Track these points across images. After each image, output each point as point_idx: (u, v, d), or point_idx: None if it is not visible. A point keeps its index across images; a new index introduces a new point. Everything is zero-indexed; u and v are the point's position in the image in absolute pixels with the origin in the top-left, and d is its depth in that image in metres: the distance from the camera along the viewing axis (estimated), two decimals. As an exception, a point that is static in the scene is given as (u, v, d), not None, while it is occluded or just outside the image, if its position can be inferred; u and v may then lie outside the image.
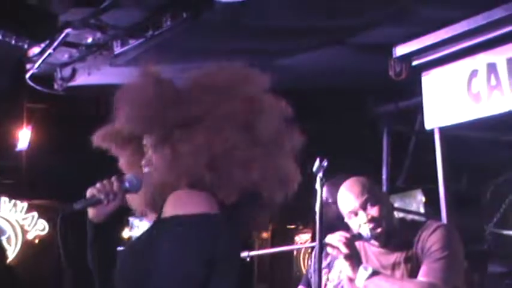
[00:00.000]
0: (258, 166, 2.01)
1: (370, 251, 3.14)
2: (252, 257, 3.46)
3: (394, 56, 4.45)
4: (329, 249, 3.05)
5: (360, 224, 3.07)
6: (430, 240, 3.04)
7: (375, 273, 3.05)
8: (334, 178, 3.22)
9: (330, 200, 3.39)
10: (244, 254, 3.39)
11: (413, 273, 3.04)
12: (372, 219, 3.05)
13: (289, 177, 2.09)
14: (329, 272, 3.41)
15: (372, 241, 3.09)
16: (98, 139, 2.20)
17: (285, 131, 2.09)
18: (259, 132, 2.03)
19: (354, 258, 3.04)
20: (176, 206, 1.98)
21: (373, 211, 3.05)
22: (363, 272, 3.05)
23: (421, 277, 2.97)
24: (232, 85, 2.08)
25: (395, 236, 3.11)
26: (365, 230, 3.05)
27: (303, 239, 9.68)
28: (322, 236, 3.05)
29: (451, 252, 3.03)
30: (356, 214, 3.08)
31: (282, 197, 2.09)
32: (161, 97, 2.05)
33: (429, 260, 2.99)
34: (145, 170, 2.12)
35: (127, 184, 2.09)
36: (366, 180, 3.19)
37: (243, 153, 2.02)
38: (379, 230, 3.05)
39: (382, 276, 3.06)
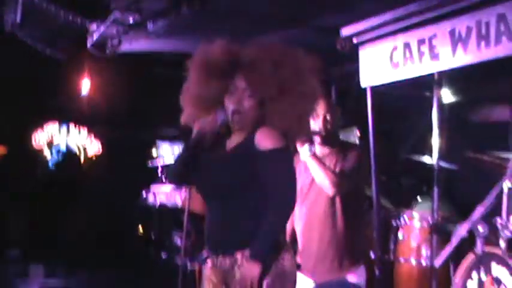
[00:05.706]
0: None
1: (317, 142, 4.07)
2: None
3: (341, 35, 4.95)
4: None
5: (318, 124, 4.01)
6: (351, 154, 3.99)
7: (314, 155, 3.91)
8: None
9: None
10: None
11: (334, 167, 3.96)
12: (325, 121, 4.03)
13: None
14: None
15: (318, 137, 4.02)
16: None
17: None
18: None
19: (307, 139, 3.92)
20: (268, 140, 2.61)
21: (329, 117, 4.03)
22: (307, 149, 3.89)
23: (337, 169, 3.92)
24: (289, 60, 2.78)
25: (334, 141, 4.09)
26: (318, 126, 4.01)
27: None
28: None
29: (361, 163, 4.02)
30: (318, 117, 3.99)
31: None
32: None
33: (347, 163, 3.94)
34: (232, 106, 2.80)
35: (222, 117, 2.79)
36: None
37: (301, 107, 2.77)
38: (327, 128, 4.01)
39: (317, 159, 3.90)
